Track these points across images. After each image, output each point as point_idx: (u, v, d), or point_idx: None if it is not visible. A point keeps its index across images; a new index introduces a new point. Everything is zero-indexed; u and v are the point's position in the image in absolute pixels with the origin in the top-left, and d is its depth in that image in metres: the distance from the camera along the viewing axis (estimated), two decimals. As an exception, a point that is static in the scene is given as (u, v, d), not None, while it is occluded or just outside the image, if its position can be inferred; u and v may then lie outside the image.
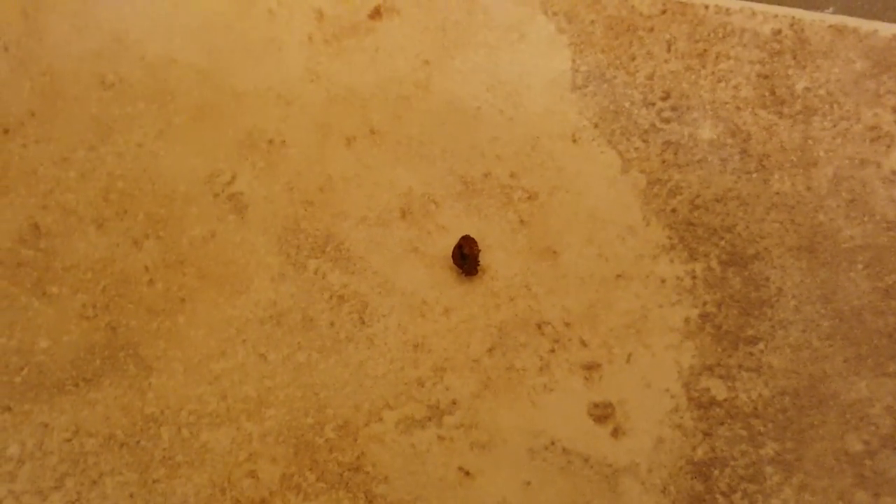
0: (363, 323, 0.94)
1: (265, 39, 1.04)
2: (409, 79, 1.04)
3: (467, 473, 0.92)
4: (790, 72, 1.05)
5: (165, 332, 0.93)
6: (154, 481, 0.89)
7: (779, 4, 1.08)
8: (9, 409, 0.90)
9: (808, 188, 1.00)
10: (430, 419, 0.92)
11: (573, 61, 1.04)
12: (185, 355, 0.92)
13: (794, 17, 1.06)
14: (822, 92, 1.02)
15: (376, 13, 1.04)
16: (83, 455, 0.90)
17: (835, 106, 1.02)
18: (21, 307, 0.93)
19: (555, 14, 1.05)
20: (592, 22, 1.05)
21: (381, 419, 0.92)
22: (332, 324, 0.94)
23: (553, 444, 0.95)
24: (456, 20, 1.04)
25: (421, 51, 1.04)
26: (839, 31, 1.04)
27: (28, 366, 0.92)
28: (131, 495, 0.90)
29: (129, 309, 0.93)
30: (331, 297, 0.94)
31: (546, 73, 1.04)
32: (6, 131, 0.97)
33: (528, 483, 0.94)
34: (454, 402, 0.93)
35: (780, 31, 1.05)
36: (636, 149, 1.03)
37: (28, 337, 0.92)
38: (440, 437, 0.92)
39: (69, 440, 0.90)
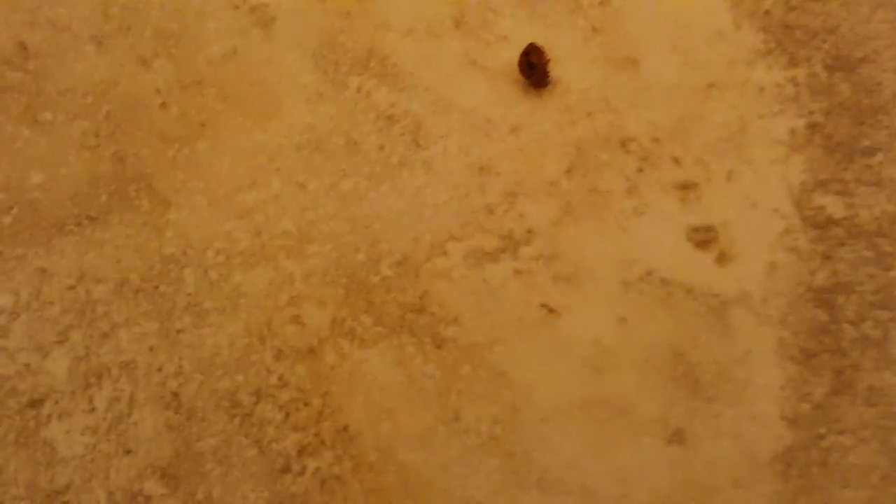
0: (418, 145, 0.91)
1: None
2: None
3: (551, 311, 0.88)
4: None
5: (183, 162, 0.88)
6: (178, 331, 0.84)
7: None
8: (-2, 253, 0.88)
9: (917, -14, 1.02)
10: (503, 251, 0.88)
11: None
12: (209, 187, 0.88)
13: None
14: None
15: None
16: (90, 304, 0.84)
17: None
18: (8, 137, 0.88)
19: None
20: None
21: (445, 253, 0.88)
22: (381, 147, 0.90)
23: (649, 274, 0.89)
24: None
25: None
26: None
27: (19, 204, 0.86)
28: (151, 348, 0.84)
29: (138, 136, 0.89)
30: (378, 118, 0.91)
31: None
32: None
33: (624, 319, 0.92)
34: (530, 231, 0.89)
35: None
36: (719, -53, 1.04)
37: (18, 171, 0.87)
38: (517, 271, 0.88)
39: (73, 287, 0.85)
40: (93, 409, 0.82)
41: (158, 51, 0.91)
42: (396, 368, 0.84)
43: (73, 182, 0.87)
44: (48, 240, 0.86)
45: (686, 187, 0.91)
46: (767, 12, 0.96)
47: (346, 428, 0.83)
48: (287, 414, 0.83)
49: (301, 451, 0.83)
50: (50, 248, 0.85)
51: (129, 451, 0.82)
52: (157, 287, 0.85)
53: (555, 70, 0.93)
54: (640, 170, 0.91)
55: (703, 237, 0.90)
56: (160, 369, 0.83)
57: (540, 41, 0.94)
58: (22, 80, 0.90)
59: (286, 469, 0.83)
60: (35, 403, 0.82)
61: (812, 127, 0.93)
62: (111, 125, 0.89)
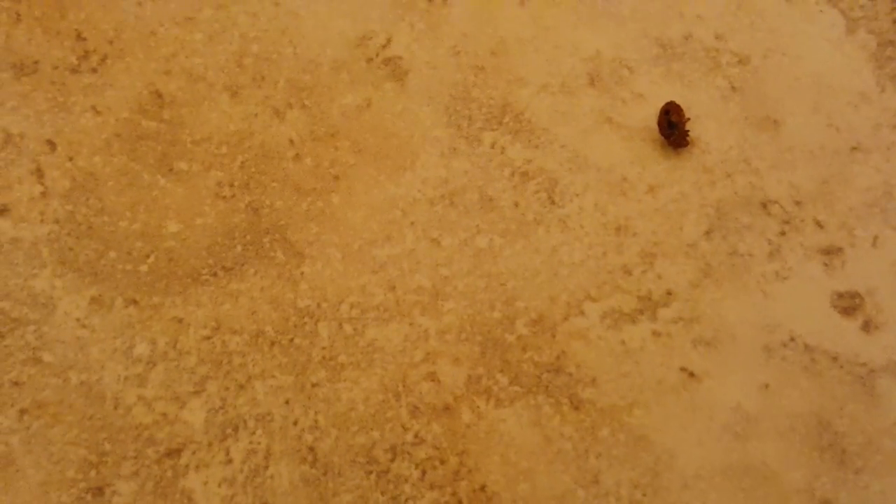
0: (553, 203, 1.03)
1: None
2: (587, -69, 1.21)
3: (691, 374, 0.98)
4: None
5: (317, 214, 1.02)
6: (313, 385, 0.96)
7: None
8: (135, 302, 0.98)
9: None
10: (641, 312, 1.00)
11: (778, -88, 1.23)
12: (343, 240, 1.01)
13: None
14: None
15: None
16: (227, 355, 0.97)
17: None
18: (145, 186, 1.01)
19: None
20: None
21: (582, 312, 1.00)
22: (516, 204, 1.03)
23: (793, 340, 0.99)
24: None
25: None
26: None
27: (156, 252, 0.99)
28: (287, 401, 0.96)
29: (273, 187, 1.02)
30: (512, 174, 1.04)
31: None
32: None
33: (766, 385, 1.05)
34: (669, 293, 1.01)
35: None
36: (861, 7, 1.20)
37: (154, 220, 1.00)
38: (655, 333, 0.99)
39: (209, 338, 0.97)
40: (230, 461, 0.97)
41: (292, 102, 1.09)
42: (533, 429, 0.99)
43: (208, 232, 1.04)
44: (184, 289, 1.02)
45: (830, 252, 1.06)
46: (912, 74, 1.12)
47: (483, 488, 0.98)
48: (423, 472, 0.98)
49: (435, 512, 0.98)
50: (186, 297, 1.02)
51: (260, 506, 0.97)
52: (292, 340, 1.01)
53: (693, 129, 1.09)
54: (783, 233, 1.06)
55: (849, 304, 1.04)
56: (296, 423, 0.98)
57: (677, 100, 1.10)
58: (158, 129, 1.07)
59: (419, 530, 0.98)
60: (173, 453, 0.97)
61: (960, 193, 1.08)
62: (245, 175, 1.06)
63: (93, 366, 0.94)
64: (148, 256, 0.98)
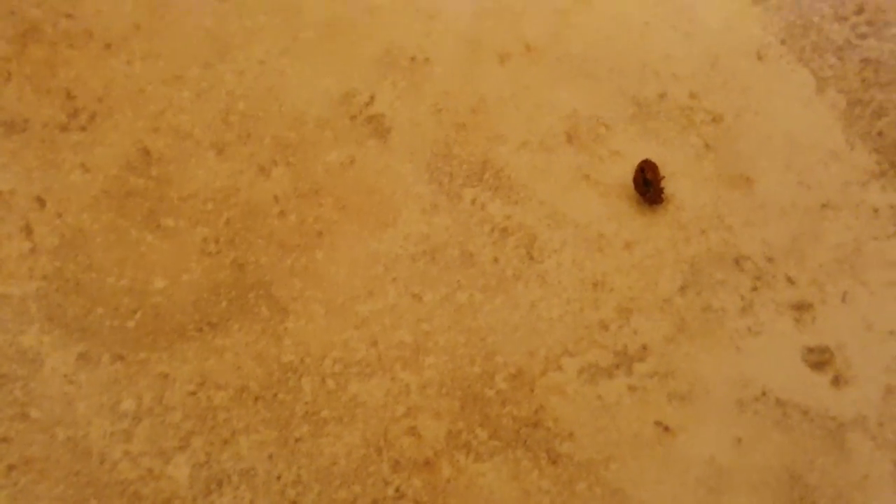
0: (532, 258, 1.05)
1: None
2: (566, -9, 1.23)
3: (666, 429, 1.00)
4: None
5: (301, 270, 1.03)
6: (297, 440, 0.97)
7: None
8: (121, 357, 0.99)
9: None
10: (618, 367, 1.01)
11: (751, -27, 1.25)
12: (326, 296, 1.02)
13: None
14: None
15: (524, -78, 1.25)
16: (212, 410, 0.98)
17: None
18: (132, 242, 1.02)
19: (725, -76, 1.27)
20: (769, -69, 1.27)
21: (560, 367, 1.01)
22: (495, 260, 1.04)
23: (765, 394, 1.00)
24: (615, -71, 1.25)
25: None
26: None
27: (142, 308, 1.00)
28: (270, 456, 0.96)
29: (257, 244, 1.03)
30: (492, 230, 1.05)
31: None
32: (108, 46, 1.08)
33: (739, 439, 1.06)
34: (645, 348, 1.02)
35: (980, -58, 1.28)
36: (831, 66, 1.22)
37: (141, 276, 1.01)
38: (631, 388, 1.00)
39: (194, 393, 0.98)
40: (214, 516, 0.98)
41: (277, 159, 1.10)
42: (512, 483, 1.01)
43: (194, 288, 1.05)
44: (170, 345, 1.03)
45: (801, 307, 1.08)
46: (880, 133, 1.14)
47: (462, 542, 0.99)
48: (404, 526, 0.99)
49: (415, 565, 0.99)
50: (172, 353, 1.03)
51: (244, 560, 0.98)
52: (275, 395, 1.02)
53: (668, 187, 1.11)
54: (755, 289, 1.08)
55: (819, 358, 1.06)
56: (279, 478, 0.99)
57: (652, 157, 1.12)
58: (145, 186, 1.09)
59: (400, 582, 0.99)
60: (158, 509, 0.98)
61: (927, 249, 1.10)
62: (231, 232, 1.07)
63: (79, 421, 0.95)
64: (135, 312, 0.99)
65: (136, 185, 1.03)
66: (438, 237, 1.03)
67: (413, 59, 1.09)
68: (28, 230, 1.01)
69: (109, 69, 1.07)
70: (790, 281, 1.03)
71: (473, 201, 1.05)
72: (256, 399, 0.98)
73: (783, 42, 1.12)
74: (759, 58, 1.11)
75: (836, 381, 1.01)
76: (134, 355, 0.98)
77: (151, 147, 1.05)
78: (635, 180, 1.05)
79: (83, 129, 1.06)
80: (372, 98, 1.08)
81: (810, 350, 1.02)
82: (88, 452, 0.95)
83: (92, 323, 0.99)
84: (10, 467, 0.94)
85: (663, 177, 1.06)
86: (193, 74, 1.07)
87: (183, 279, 1.01)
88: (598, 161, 1.07)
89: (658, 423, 0.99)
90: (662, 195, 1.05)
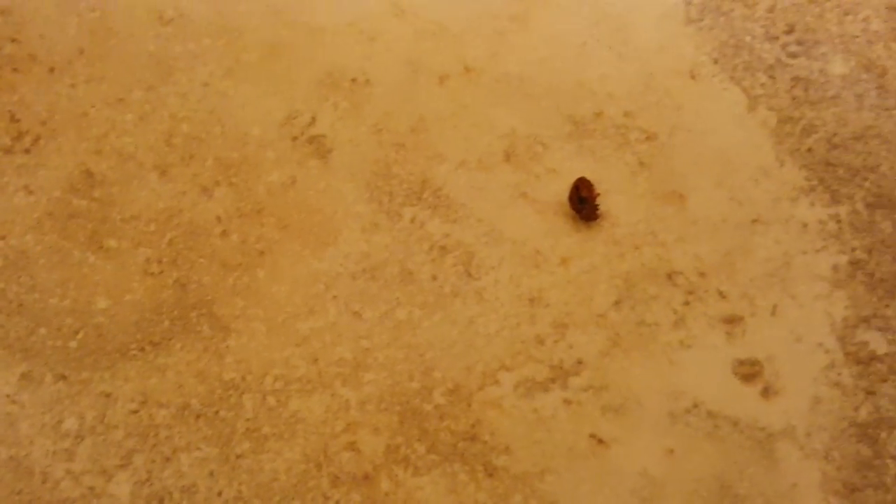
0: (470, 276, 1.06)
1: None
2: (503, 13, 1.24)
3: (600, 441, 1.01)
4: (923, 4, 1.29)
5: (243, 289, 1.04)
6: (237, 456, 0.98)
7: (903, -65, 1.34)
8: (64, 377, 1.00)
9: (955, 125, 1.22)
10: (553, 381, 1.02)
11: (685, -6, 1.27)
12: (268, 314, 1.03)
13: (920, -52, 1.32)
14: (959, 25, 1.27)
15: (463, -55, 1.27)
16: (153, 428, 0.99)
17: (974, 40, 1.26)
18: (75, 263, 1.03)
19: (660, -54, 1.29)
20: (702, -47, 1.29)
21: (497, 382, 1.02)
22: (434, 277, 1.06)
23: (696, 406, 1.02)
24: (552, -49, 1.27)
25: None
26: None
27: (85, 328, 1.02)
28: (211, 473, 0.97)
29: (200, 263, 1.05)
30: (431, 248, 1.07)
31: (656, 6, 1.26)
32: (52, 70, 1.10)
33: (671, 451, 1.07)
34: (580, 362, 1.03)
35: (907, -37, 1.31)
36: (762, 85, 1.24)
37: (84, 296, 1.02)
38: (566, 401, 1.02)
39: (136, 412, 0.99)
40: (155, 533, 0.99)
41: (220, 180, 1.12)
42: (449, 496, 1.02)
43: (136, 307, 1.06)
44: (113, 364, 1.04)
45: (732, 321, 1.10)
46: (810, 150, 1.16)
47: (400, 555, 1.01)
48: (343, 540, 1.01)
49: (355, 578, 1.00)
50: (114, 372, 1.04)
51: (186, 575, 0.99)
52: (217, 412, 1.04)
53: (603, 203, 1.13)
54: (687, 303, 1.10)
55: (749, 370, 1.08)
56: (220, 494, 1.01)
57: (588, 175, 1.14)
58: (88, 208, 1.10)
59: None
60: (100, 526, 0.99)
61: (854, 263, 1.13)
62: (174, 252, 1.09)
63: (22, 441, 0.96)
64: (77, 332, 1.00)
65: (80, 206, 1.04)
66: (378, 255, 1.05)
67: (354, 80, 1.11)
68: (-28, 252, 1.02)
69: (53, 93, 1.08)
70: (721, 295, 1.06)
71: (413, 220, 1.07)
72: (198, 416, 0.99)
73: (716, 61, 1.14)
74: (693, 77, 1.13)
75: (766, 393, 1.03)
76: (76, 375, 0.99)
77: (95, 169, 1.06)
78: (570, 198, 1.07)
79: (27, 151, 1.07)
80: (313, 119, 1.09)
81: (741, 362, 1.04)
82: (31, 471, 0.96)
83: (35, 343, 1.00)
84: (-47, 487, 0.94)
85: (598, 194, 1.08)
86: (136, 97, 1.08)
87: (125, 299, 1.02)
88: (534, 179, 1.09)
89: (592, 436, 1.01)
90: (597, 212, 1.07)
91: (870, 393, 1.04)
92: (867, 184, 1.11)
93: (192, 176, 1.06)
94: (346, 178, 1.07)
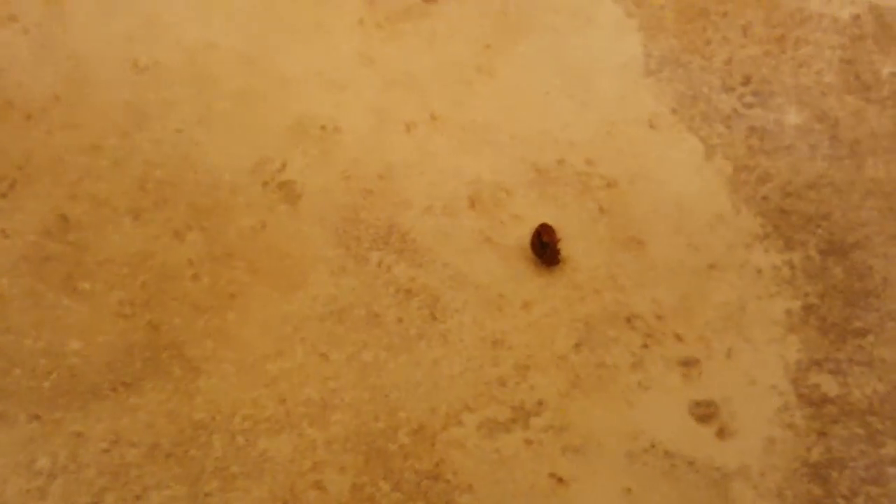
0: (435, 318, 1.12)
1: (312, 23, 1.29)
2: (470, 63, 1.32)
3: (560, 480, 1.06)
4: (874, 57, 1.38)
5: (214, 331, 1.09)
6: (206, 495, 1.03)
7: (855, -9, 1.43)
8: (37, 417, 1.04)
9: (905, 174, 1.30)
10: (515, 421, 1.08)
11: (644, 46, 1.35)
12: (237, 356, 1.08)
13: (871, 3, 1.40)
14: (909, 77, 1.35)
15: (431, -3, 1.34)
16: (124, 467, 1.03)
17: (924, 92, 1.34)
18: (49, 305, 1.08)
19: (621, -1, 1.37)
20: (662, 7, 1.37)
21: (460, 422, 1.08)
22: (400, 320, 1.12)
23: (653, 446, 1.08)
24: (517, 4, 1.34)
25: (481, 35, 1.33)
26: (921, 16, 1.39)
27: (58, 369, 1.06)
28: None
29: (171, 306, 1.10)
30: (397, 292, 1.13)
31: (617, 57, 1.34)
32: (28, 117, 1.15)
33: (629, 490, 1.11)
34: (541, 403, 1.09)
35: (859, 17, 1.39)
36: (719, 135, 1.32)
37: (57, 338, 1.07)
38: (528, 441, 1.08)
39: (107, 451, 1.04)
40: (125, 570, 1.05)
41: (192, 224, 1.18)
42: (413, 534, 1.08)
43: (109, 349, 1.12)
44: (85, 404, 1.10)
45: (688, 363, 1.17)
46: (765, 198, 1.24)
47: (364, 591, 1.06)
48: (309, 577, 1.06)
49: None
50: (86, 412, 1.10)
51: None
52: (187, 451, 1.09)
53: (565, 249, 1.20)
54: (645, 346, 1.17)
55: (705, 412, 1.15)
56: (189, 532, 1.06)
57: (550, 220, 1.21)
58: (62, 251, 1.16)
59: None
60: (71, 563, 1.05)
61: (807, 308, 1.20)
62: (146, 295, 1.15)
63: (-5, 480, 1.01)
64: (51, 373, 1.06)
65: (54, 250, 1.10)
66: (346, 298, 1.11)
67: (324, 127, 1.18)
68: (-52, 294, 1.08)
69: (30, 139, 1.14)
70: (678, 338, 1.12)
71: (379, 264, 1.13)
72: (168, 456, 1.04)
73: (674, 111, 1.22)
74: (652, 126, 1.21)
75: (721, 433, 1.09)
76: (49, 415, 1.05)
77: (70, 214, 1.12)
78: (532, 243, 1.13)
79: (4, 196, 1.13)
80: (284, 165, 1.16)
81: (697, 404, 1.10)
82: (3, 509, 1.01)
83: (9, 384, 1.05)
84: (-73, 525, 0.99)
85: (560, 239, 1.14)
86: (111, 143, 1.15)
87: (98, 340, 1.08)
88: (498, 225, 1.15)
89: (552, 475, 1.06)
90: (559, 257, 1.14)
91: (821, 434, 1.10)
92: (820, 231, 1.18)
93: (164, 220, 1.12)
94: (315, 222, 1.14)
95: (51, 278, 1.09)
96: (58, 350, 1.06)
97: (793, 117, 1.22)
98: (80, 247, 1.10)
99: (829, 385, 1.12)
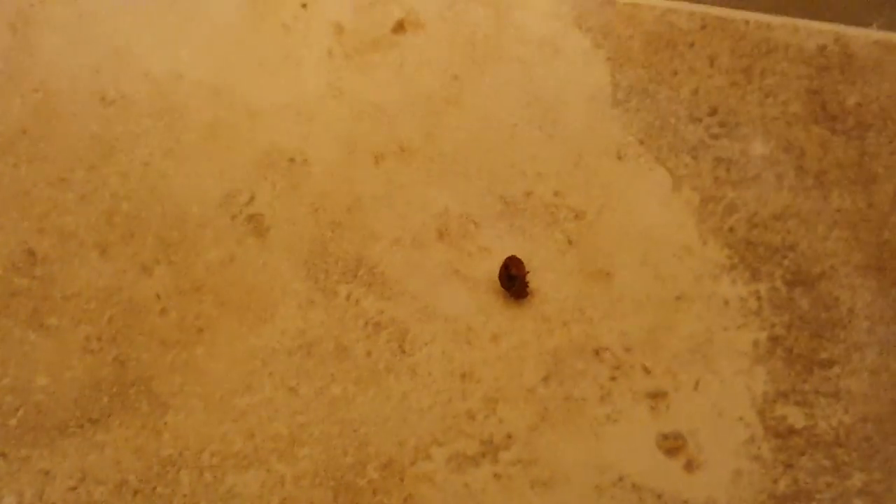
0: (403, 352, 1.14)
1: (280, 55, 1.33)
2: (438, 95, 1.35)
3: None
4: (839, 87, 1.41)
5: (181, 366, 1.11)
6: None
7: (821, 21, 1.47)
8: (3, 455, 1.05)
9: (870, 205, 1.33)
10: (483, 455, 1.10)
11: (612, 76, 1.38)
12: (205, 391, 1.10)
13: (838, 33, 1.43)
14: (874, 107, 1.38)
15: (399, 27, 1.36)
16: None
17: (889, 122, 1.37)
18: (16, 341, 1.10)
19: (589, 29, 1.39)
20: (630, 37, 1.40)
21: (429, 456, 1.10)
22: (368, 353, 1.14)
23: (621, 479, 1.10)
24: (485, 35, 1.38)
25: (449, 66, 1.36)
26: (886, 46, 1.42)
27: (25, 406, 1.08)
28: None
29: (139, 341, 1.11)
30: (366, 325, 1.15)
31: (584, 88, 1.37)
32: None
33: None
34: (509, 437, 1.11)
35: (825, 47, 1.42)
36: (686, 165, 1.35)
37: (24, 374, 1.09)
38: (496, 475, 1.10)
39: (74, 488, 1.06)
40: None
41: (159, 258, 1.20)
42: (382, 570, 1.10)
43: (76, 385, 1.14)
44: (52, 441, 1.11)
45: (656, 396, 1.19)
46: (731, 229, 1.27)
47: None
48: None
49: None
50: (53, 449, 1.11)
51: None
52: (154, 488, 1.11)
53: (533, 281, 1.22)
54: (613, 378, 1.20)
55: (672, 444, 1.18)
56: (156, 569, 1.08)
57: (518, 253, 1.23)
58: (29, 286, 1.17)
59: None
60: None
61: (774, 339, 1.23)
62: (113, 330, 1.16)
63: (-39, 519, 1.02)
64: (17, 410, 1.07)
65: (21, 285, 1.11)
66: (314, 332, 1.13)
67: (292, 160, 1.20)
68: (-87, 331, 1.09)
69: (-5, 172, 1.16)
70: (646, 370, 1.15)
71: (348, 297, 1.15)
72: (135, 493, 1.06)
73: (641, 142, 1.24)
74: (619, 157, 1.23)
75: (689, 466, 1.12)
76: (16, 452, 1.06)
77: (36, 248, 1.13)
78: (500, 276, 1.15)
79: (-31, 231, 1.14)
80: (252, 198, 1.17)
81: (665, 436, 1.13)
82: (-31, 549, 1.02)
83: (-25, 421, 1.06)
84: None
85: (528, 272, 1.16)
86: (78, 177, 1.16)
87: (65, 376, 1.09)
88: (467, 257, 1.17)
89: (521, 509, 1.08)
90: (527, 289, 1.16)
91: (788, 466, 1.13)
92: (786, 262, 1.20)
93: (132, 254, 1.14)
94: (283, 255, 1.15)
95: (17, 313, 1.10)
96: (24, 386, 1.07)
97: (759, 147, 1.25)
98: (47, 281, 1.11)
99: (795, 417, 1.14)
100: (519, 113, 1.23)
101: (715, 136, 1.25)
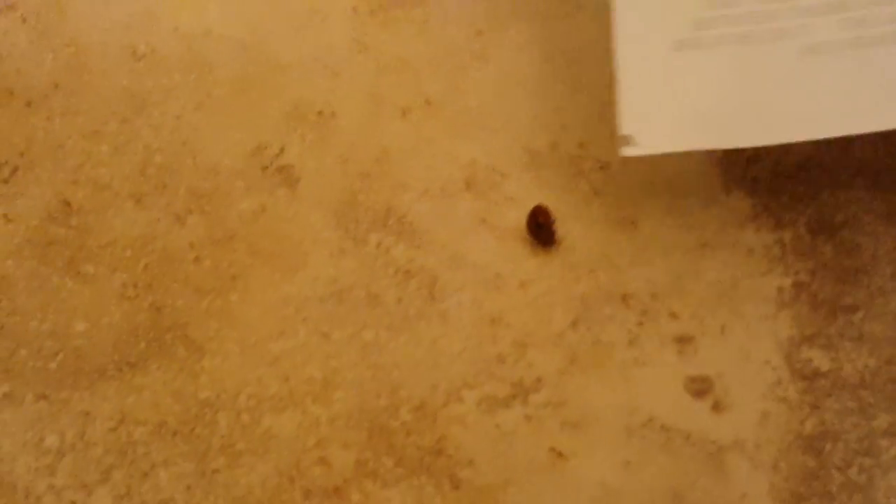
0: (433, 299, 1.19)
1: (307, 10, 1.31)
2: (464, 49, 1.38)
3: (560, 454, 1.13)
4: (859, 41, 1.46)
5: (217, 312, 1.16)
6: (213, 471, 1.09)
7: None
8: (44, 396, 1.10)
9: (891, 154, 1.39)
10: (514, 398, 1.15)
11: (635, 32, 1.43)
12: (241, 336, 1.15)
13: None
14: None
15: (424, -16, 1.41)
16: (131, 445, 1.09)
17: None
18: (53, 288, 1.15)
19: (611, -14, 1.45)
20: (651, -7, 1.45)
21: (460, 399, 1.14)
22: (399, 300, 1.18)
23: (651, 420, 1.14)
24: (509, -9, 1.42)
25: (473, 21, 1.37)
26: None
27: (64, 350, 1.13)
28: (188, 487, 1.08)
29: (174, 288, 1.16)
30: (396, 273, 1.19)
31: (605, 41, 1.42)
32: (28, 104, 1.22)
33: (628, 462, 1.15)
34: (539, 380, 1.16)
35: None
36: (709, 117, 1.39)
37: (63, 319, 1.14)
38: (527, 417, 1.14)
39: (114, 429, 1.10)
40: (135, 545, 1.11)
41: (192, 208, 1.24)
42: (417, 508, 1.14)
43: (113, 330, 1.18)
44: (91, 384, 1.16)
45: (683, 340, 1.24)
46: (755, 178, 1.31)
47: (370, 564, 1.12)
48: (315, 550, 1.13)
49: (327, 588, 1.12)
50: (93, 392, 1.16)
51: (162, 587, 1.10)
52: (193, 429, 1.15)
53: (560, 230, 1.27)
54: (641, 323, 1.24)
55: (700, 387, 1.22)
56: (196, 507, 1.12)
57: (545, 202, 1.29)
58: (66, 235, 1.22)
59: None
60: (80, 539, 1.10)
61: (798, 286, 1.27)
62: (148, 277, 1.21)
63: (5, 458, 1.07)
64: (57, 354, 1.12)
65: (57, 234, 1.17)
66: (345, 280, 1.18)
67: (320, 113, 1.25)
68: (-47, 278, 1.14)
69: (30, 126, 1.21)
70: (673, 316, 1.19)
71: (378, 245, 1.20)
72: (174, 433, 1.11)
73: (665, 95, 1.29)
74: (643, 110, 1.28)
75: (716, 408, 1.16)
76: (56, 394, 1.11)
77: (72, 198, 1.18)
78: (528, 224, 1.20)
79: (6, 181, 1.19)
80: (282, 150, 1.22)
81: (692, 379, 1.17)
82: (14, 487, 1.07)
83: (16, 364, 1.11)
84: (-62, 502, 1.05)
85: (555, 220, 1.21)
86: (111, 129, 1.21)
87: (103, 322, 1.14)
88: (494, 207, 1.22)
89: (552, 450, 1.13)
90: (554, 238, 1.20)
91: (815, 407, 1.17)
92: (809, 210, 1.25)
93: (165, 205, 1.19)
94: (313, 206, 1.20)
95: (55, 261, 1.15)
96: (63, 331, 1.12)
97: (781, 100, 1.29)
98: (83, 231, 1.16)
99: (820, 360, 1.18)
100: (542, 67, 1.28)
101: (737, 89, 1.29)
